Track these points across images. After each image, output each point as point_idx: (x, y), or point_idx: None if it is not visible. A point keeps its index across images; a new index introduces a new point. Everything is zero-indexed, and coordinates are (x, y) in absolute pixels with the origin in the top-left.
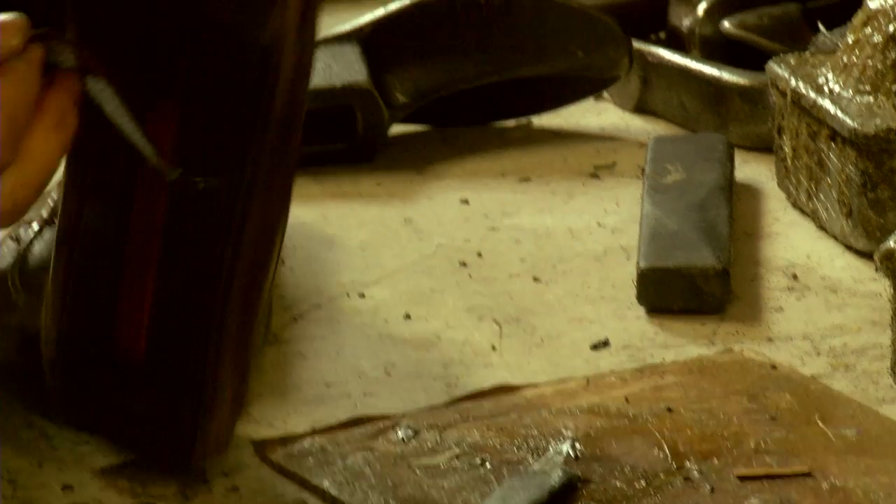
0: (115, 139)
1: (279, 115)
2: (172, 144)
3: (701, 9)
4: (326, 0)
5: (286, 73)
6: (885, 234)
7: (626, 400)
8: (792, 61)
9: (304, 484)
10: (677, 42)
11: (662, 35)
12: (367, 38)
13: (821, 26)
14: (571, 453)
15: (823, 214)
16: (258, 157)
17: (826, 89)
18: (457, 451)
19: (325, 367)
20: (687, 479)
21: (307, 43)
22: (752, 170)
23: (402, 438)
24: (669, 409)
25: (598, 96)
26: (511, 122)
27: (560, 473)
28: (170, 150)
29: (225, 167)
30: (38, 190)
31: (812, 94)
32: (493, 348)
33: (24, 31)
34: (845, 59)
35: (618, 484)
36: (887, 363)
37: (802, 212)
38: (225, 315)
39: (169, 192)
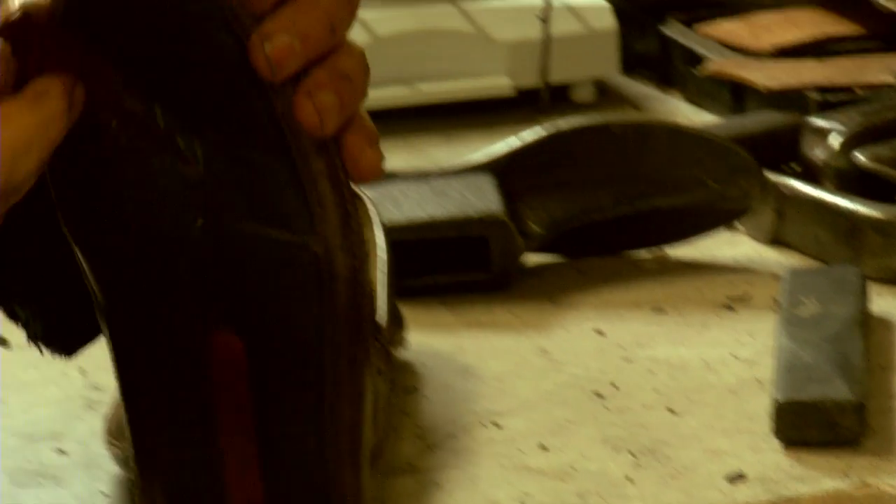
0: (178, 365)
1: (344, 308)
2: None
3: (836, 142)
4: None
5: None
6: None
7: None
8: None
9: None
10: (811, 173)
11: (796, 167)
12: (502, 168)
13: None
14: None
15: None
16: (334, 363)
17: None
18: None
19: (460, 497)
20: None
21: (355, 244)
22: (886, 303)
23: None
24: None
25: (733, 227)
26: (645, 253)
27: None
28: (238, 377)
29: (301, 379)
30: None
31: None
32: (629, 479)
33: None
34: None
35: None
36: None
37: None
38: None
39: (253, 400)
